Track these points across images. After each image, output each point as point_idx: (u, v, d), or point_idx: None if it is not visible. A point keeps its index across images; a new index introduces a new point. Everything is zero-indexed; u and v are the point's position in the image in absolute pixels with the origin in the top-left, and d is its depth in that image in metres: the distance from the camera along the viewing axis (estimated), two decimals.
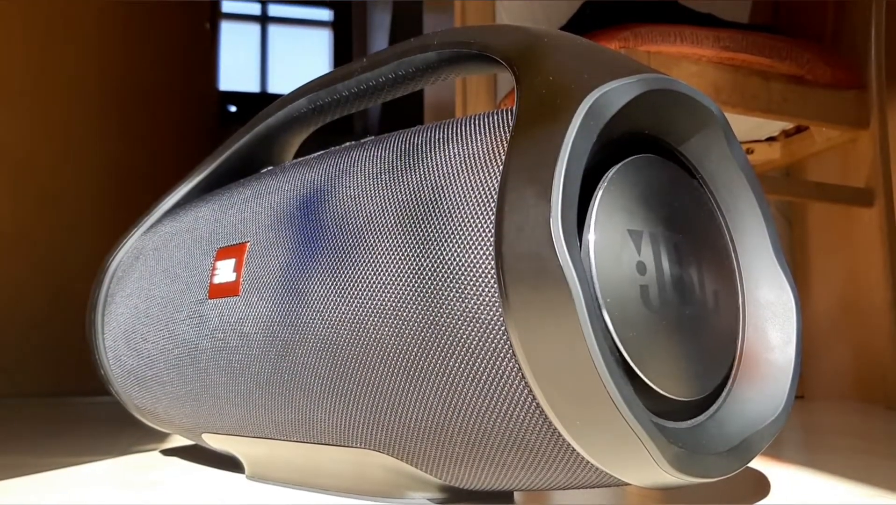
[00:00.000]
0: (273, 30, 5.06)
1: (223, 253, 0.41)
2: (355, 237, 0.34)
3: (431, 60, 0.39)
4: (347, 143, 0.40)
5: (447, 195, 0.31)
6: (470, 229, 0.30)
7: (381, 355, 0.32)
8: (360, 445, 0.35)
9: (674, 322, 0.30)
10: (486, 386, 0.29)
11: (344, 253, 0.34)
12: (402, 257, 0.32)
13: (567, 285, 0.25)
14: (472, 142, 0.32)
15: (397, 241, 0.32)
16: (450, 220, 0.31)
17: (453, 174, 0.31)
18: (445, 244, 0.30)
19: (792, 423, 0.77)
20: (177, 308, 0.44)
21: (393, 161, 0.35)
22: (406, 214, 0.32)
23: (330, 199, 0.37)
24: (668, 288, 0.30)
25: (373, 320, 0.32)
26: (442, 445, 0.32)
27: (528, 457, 0.29)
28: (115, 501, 0.39)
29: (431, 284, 0.30)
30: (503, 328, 0.28)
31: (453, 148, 0.32)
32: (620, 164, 0.30)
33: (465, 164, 0.31)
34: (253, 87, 4.88)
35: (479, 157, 0.31)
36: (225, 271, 0.41)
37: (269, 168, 0.45)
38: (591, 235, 0.28)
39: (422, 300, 0.31)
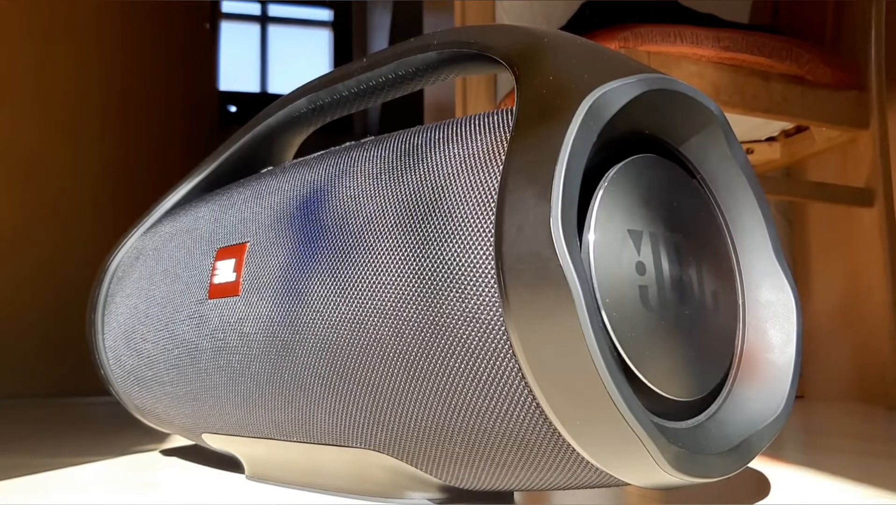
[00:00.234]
0: (273, 30, 5.07)
1: (223, 253, 0.42)
2: (355, 237, 0.34)
3: (431, 60, 0.39)
4: (347, 143, 0.40)
5: (447, 195, 0.31)
6: (470, 229, 0.30)
7: (380, 355, 0.32)
8: (360, 445, 0.35)
9: (673, 322, 0.30)
10: (486, 386, 0.29)
11: (344, 253, 0.34)
12: (402, 257, 0.32)
13: (567, 285, 0.25)
14: (472, 142, 0.32)
15: (397, 242, 0.32)
16: (450, 220, 0.30)
17: (453, 174, 0.31)
18: (445, 244, 0.30)
19: (792, 423, 0.77)
20: (177, 308, 0.44)
21: (393, 161, 0.35)
22: (406, 214, 0.32)
23: (330, 200, 0.37)
24: (667, 288, 0.30)
25: (373, 320, 0.32)
26: (442, 445, 0.32)
27: (528, 457, 0.29)
28: (115, 502, 0.39)
29: (431, 284, 0.30)
30: (503, 328, 0.28)
31: (453, 148, 0.32)
32: (621, 164, 0.30)
33: (465, 165, 0.31)
34: (253, 87, 4.88)
35: (479, 157, 0.31)
36: (225, 271, 0.41)
37: (269, 168, 0.45)
38: (591, 235, 0.28)
39: (422, 300, 0.31)
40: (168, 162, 1.68)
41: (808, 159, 1.11)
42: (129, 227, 0.52)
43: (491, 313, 0.28)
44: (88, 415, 1.01)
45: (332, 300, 0.34)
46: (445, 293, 0.30)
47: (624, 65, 0.30)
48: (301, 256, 0.37)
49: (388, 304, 0.32)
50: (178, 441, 0.65)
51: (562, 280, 0.25)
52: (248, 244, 0.40)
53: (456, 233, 0.30)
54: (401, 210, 0.33)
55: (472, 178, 0.31)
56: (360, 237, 0.34)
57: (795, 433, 0.70)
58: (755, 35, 0.90)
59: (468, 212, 0.30)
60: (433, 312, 0.30)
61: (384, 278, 0.32)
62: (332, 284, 0.34)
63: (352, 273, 0.34)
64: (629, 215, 0.29)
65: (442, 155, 0.32)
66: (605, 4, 1.04)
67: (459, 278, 0.29)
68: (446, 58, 0.38)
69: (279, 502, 0.37)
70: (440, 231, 0.31)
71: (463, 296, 0.29)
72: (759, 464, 0.48)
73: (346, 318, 0.34)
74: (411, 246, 0.32)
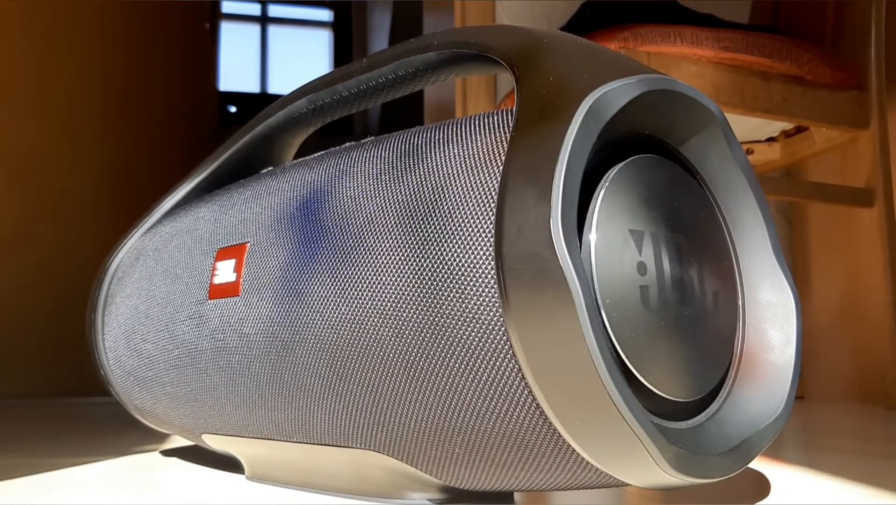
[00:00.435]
0: (273, 30, 5.07)
1: (223, 253, 0.42)
2: (355, 237, 0.34)
3: (431, 61, 0.39)
4: (347, 144, 0.40)
5: (447, 195, 0.31)
6: (470, 230, 0.30)
7: (380, 356, 0.32)
8: (360, 445, 0.35)
9: (673, 323, 0.30)
10: (486, 386, 0.29)
11: (344, 253, 0.34)
12: (402, 258, 0.32)
13: (567, 286, 0.25)
14: (472, 142, 0.32)
15: (397, 242, 0.32)
16: (450, 220, 0.31)
17: (453, 175, 0.31)
18: (445, 244, 0.30)
19: (792, 423, 0.77)
20: (177, 309, 0.44)
21: (393, 162, 0.35)
22: (406, 215, 0.32)
23: (330, 200, 0.37)
24: (668, 288, 0.30)
25: (372, 321, 0.32)
26: (442, 446, 0.32)
27: (528, 457, 0.29)
28: (116, 502, 0.39)
29: (431, 284, 0.30)
30: (503, 328, 0.28)
31: (453, 148, 0.32)
32: (622, 164, 0.30)
33: (465, 165, 0.31)
34: (253, 87, 4.89)
35: (479, 158, 0.31)
36: (225, 272, 0.41)
37: (269, 168, 0.45)
38: (592, 236, 0.28)
39: (422, 300, 0.31)
40: (168, 162, 1.68)
41: (808, 159, 1.11)
42: (130, 227, 0.52)
43: (491, 313, 0.28)
44: (88, 415, 1.01)
45: (332, 300, 0.34)
46: (445, 293, 0.30)
47: (624, 65, 0.30)
48: (301, 257, 0.37)
49: (388, 304, 0.32)
50: (178, 441, 0.65)
51: (562, 280, 0.25)
52: (249, 244, 0.40)
53: (456, 233, 0.30)
54: (401, 210, 0.33)
55: (472, 178, 0.31)
56: (360, 237, 0.34)
57: (795, 433, 0.70)
58: (755, 35, 0.90)
59: (468, 212, 0.30)
60: (433, 312, 0.30)
61: (384, 278, 0.32)
62: (332, 285, 0.34)
63: (352, 273, 0.34)
64: (631, 215, 0.29)
65: (442, 155, 0.32)
66: (605, 4, 1.04)
67: (459, 278, 0.29)
68: (446, 58, 0.38)
69: (279, 502, 0.37)
70: (440, 231, 0.31)
71: (463, 296, 0.29)
72: (759, 464, 0.48)
73: (346, 318, 0.34)
74: (411, 246, 0.32)
